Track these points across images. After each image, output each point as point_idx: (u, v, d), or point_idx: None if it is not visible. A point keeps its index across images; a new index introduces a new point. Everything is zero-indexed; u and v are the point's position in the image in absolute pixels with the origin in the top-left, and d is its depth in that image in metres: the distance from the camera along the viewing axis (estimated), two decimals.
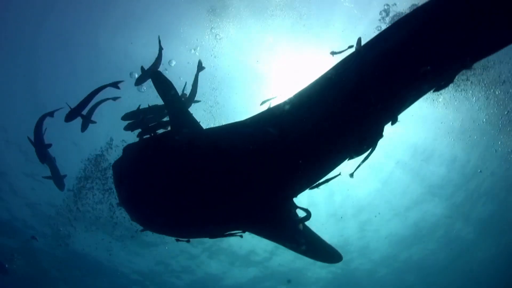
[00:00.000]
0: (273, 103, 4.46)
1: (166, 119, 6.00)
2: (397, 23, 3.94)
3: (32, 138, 9.63)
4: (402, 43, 3.72)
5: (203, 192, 4.35)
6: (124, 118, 6.76)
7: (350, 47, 3.99)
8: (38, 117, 9.52)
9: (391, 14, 11.26)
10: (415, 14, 3.83)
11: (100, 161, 11.87)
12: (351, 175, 4.16)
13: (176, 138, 4.51)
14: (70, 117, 7.96)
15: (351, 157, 4.01)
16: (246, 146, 4.25)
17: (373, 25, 11.60)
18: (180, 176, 4.43)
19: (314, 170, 4.20)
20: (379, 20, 11.45)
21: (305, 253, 4.61)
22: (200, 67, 7.25)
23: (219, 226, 4.68)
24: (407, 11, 11.16)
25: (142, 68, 7.76)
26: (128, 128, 6.67)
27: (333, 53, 4.24)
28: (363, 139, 3.87)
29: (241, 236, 4.63)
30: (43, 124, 9.53)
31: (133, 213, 5.06)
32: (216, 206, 4.41)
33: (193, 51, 13.05)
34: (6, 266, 19.86)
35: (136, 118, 6.61)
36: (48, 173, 10.88)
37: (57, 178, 11.04)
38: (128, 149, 5.33)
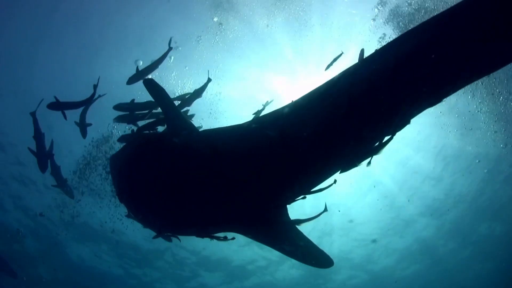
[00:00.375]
0: (270, 109, 4.43)
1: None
2: (407, 33, 3.85)
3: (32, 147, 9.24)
4: (409, 54, 3.62)
5: (198, 192, 4.34)
6: (116, 108, 6.63)
7: (334, 60, 3.91)
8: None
9: (388, 8, 11.02)
10: (424, 26, 3.74)
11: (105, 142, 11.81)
12: (368, 163, 4.04)
13: (175, 140, 4.49)
14: (53, 106, 7.67)
15: (344, 170, 3.95)
16: (242, 149, 4.21)
17: (369, 17, 11.49)
18: (176, 176, 4.42)
19: (309, 178, 4.15)
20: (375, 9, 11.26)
21: (297, 257, 4.60)
22: (208, 79, 7.10)
23: (212, 227, 4.68)
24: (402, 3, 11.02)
25: (137, 68, 7.47)
26: (118, 120, 6.61)
27: (328, 66, 4.18)
28: (361, 150, 3.83)
29: (233, 238, 4.61)
30: (42, 133, 9.16)
31: (129, 206, 5.09)
32: (210, 206, 4.40)
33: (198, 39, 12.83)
34: (15, 270, 19.33)
35: (128, 110, 6.55)
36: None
37: (65, 187, 10.82)
38: (126, 144, 5.37)
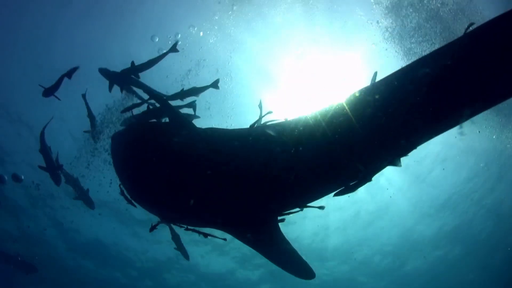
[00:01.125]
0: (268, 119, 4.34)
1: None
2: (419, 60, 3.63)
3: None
4: (423, 80, 3.40)
5: (191, 187, 4.27)
6: (101, 72, 6.36)
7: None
8: None
9: None
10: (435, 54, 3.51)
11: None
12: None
13: (175, 139, 4.40)
14: (47, 93, 7.31)
15: (341, 193, 3.81)
16: (242, 154, 4.09)
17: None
18: (173, 169, 4.36)
19: (304, 193, 4.01)
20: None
21: (281, 265, 4.51)
22: (215, 84, 6.49)
23: (202, 221, 4.61)
24: None
25: (132, 63, 6.73)
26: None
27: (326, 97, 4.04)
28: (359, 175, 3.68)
29: (225, 239, 4.54)
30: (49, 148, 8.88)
31: (124, 183, 5.08)
32: (201, 201, 4.31)
33: (216, 17, 12.31)
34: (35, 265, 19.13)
35: (110, 78, 6.33)
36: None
37: (85, 198, 10.67)
38: (129, 129, 5.29)
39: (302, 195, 4.05)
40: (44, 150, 8.71)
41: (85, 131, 8.12)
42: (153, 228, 4.65)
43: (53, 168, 8.96)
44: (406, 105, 3.48)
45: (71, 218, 17.84)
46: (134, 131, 5.10)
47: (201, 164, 4.20)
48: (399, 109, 3.50)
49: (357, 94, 3.68)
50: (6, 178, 16.35)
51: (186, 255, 11.10)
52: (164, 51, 6.84)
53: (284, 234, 4.42)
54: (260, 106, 4.40)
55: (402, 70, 3.58)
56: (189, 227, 4.71)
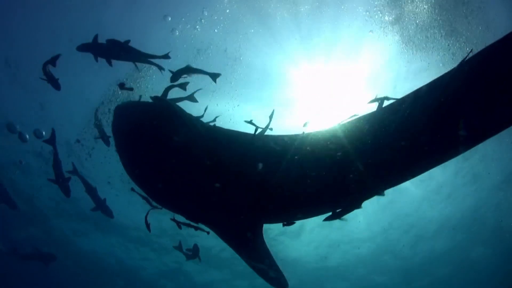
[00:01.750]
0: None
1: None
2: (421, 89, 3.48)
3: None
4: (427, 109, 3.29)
5: (186, 182, 4.23)
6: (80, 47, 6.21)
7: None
8: None
9: None
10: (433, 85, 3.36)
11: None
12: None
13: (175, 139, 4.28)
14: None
15: (330, 218, 3.72)
16: (242, 158, 4.01)
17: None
18: (170, 158, 4.30)
19: (294, 205, 3.95)
20: None
21: (257, 270, 4.49)
22: (213, 77, 6.21)
23: (189, 213, 4.55)
24: None
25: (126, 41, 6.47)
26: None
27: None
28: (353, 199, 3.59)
29: (208, 233, 4.51)
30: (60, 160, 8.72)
31: (122, 156, 5.01)
32: (193, 195, 4.28)
33: None
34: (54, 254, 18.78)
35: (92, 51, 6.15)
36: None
37: (103, 207, 10.48)
38: (138, 107, 5.12)
39: (293, 207, 3.98)
40: (56, 163, 8.69)
41: (96, 138, 7.97)
42: (148, 226, 4.62)
43: (62, 180, 8.88)
44: (408, 134, 3.38)
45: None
46: (136, 107, 5.03)
47: (196, 156, 4.16)
48: (401, 138, 3.40)
49: (361, 120, 3.57)
50: (27, 136, 16.39)
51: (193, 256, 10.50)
52: (157, 54, 6.58)
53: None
54: (271, 117, 4.30)
55: (406, 98, 3.44)
56: (174, 218, 4.66)
